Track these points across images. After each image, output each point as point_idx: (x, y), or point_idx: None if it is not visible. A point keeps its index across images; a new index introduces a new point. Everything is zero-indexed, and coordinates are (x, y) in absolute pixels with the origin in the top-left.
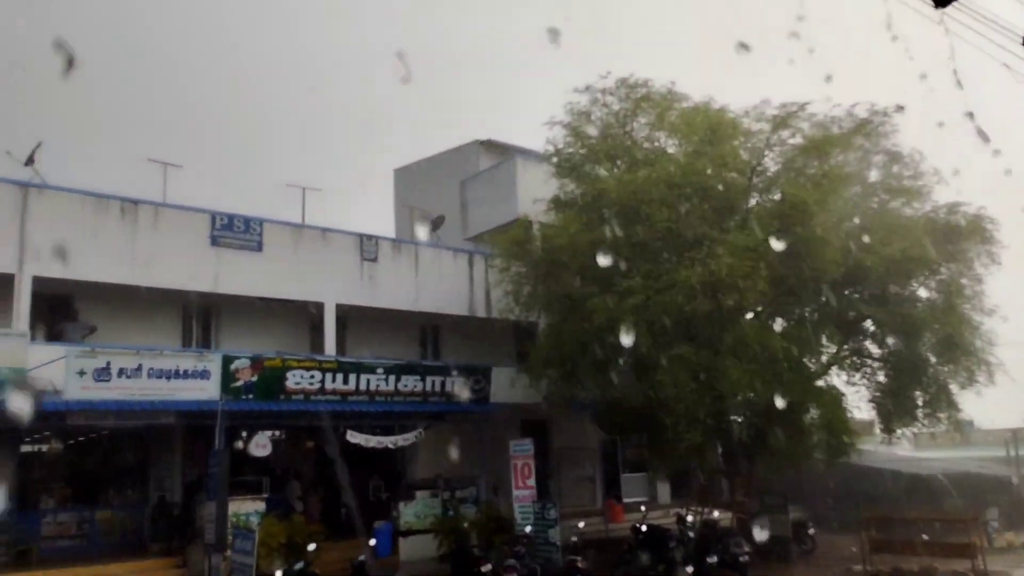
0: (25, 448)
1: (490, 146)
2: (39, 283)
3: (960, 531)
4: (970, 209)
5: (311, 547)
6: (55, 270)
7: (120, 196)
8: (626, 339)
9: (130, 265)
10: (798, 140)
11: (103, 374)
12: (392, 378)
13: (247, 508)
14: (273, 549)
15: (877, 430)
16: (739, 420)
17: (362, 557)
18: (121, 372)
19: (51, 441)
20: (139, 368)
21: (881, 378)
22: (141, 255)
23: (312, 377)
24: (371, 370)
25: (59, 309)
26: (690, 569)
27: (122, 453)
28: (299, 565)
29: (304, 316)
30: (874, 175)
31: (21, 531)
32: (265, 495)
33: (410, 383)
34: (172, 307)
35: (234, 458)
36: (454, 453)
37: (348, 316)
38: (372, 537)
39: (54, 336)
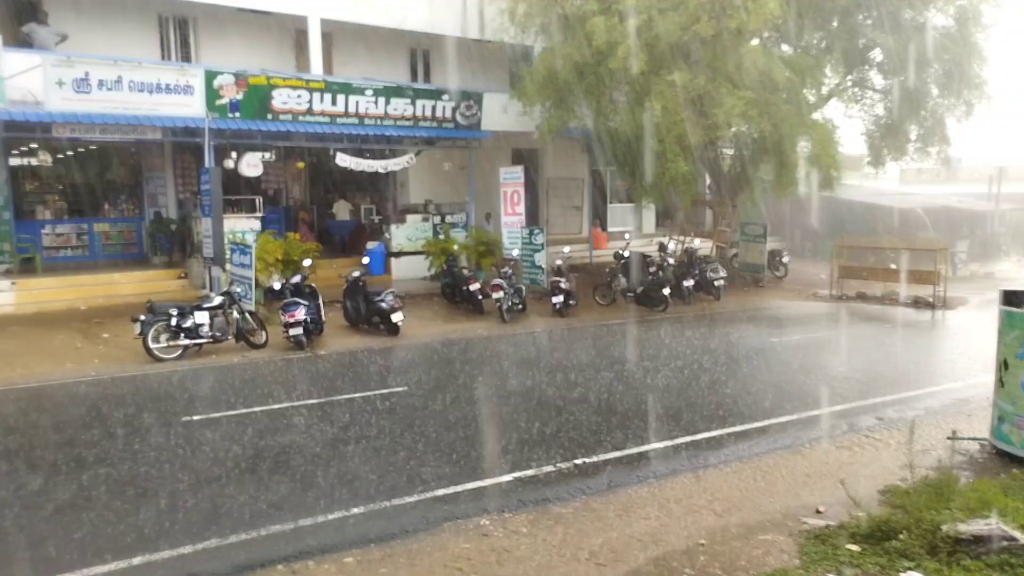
0: (14, 161)
1: None
2: None
3: (927, 260)
4: None
5: (307, 263)
6: None
7: None
8: (623, 63)
9: None
10: None
11: (83, 85)
12: (382, 100)
13: (242, 226)
14: (270, 264)
15: (865, 164)
16: (728, 151)
17: (356, 272)
18: (101, 84)
19: (39, 154)
20: (119, 80)
21: (879, 111)
22: None
23: (299, 97)
24: (360, 92)
25: (27, 15)
26: (667, 291)
27: (113, 168)
28: (296, 278)
29: (288, 34)
30: None
31: (22, 240)
32: (259, 214)
33: (400, 106)
34: (146, 17)
35: (226, 177)
36: (445, 179)
37: (334, 34)
38: (365, 256)
39: (22, 44)
